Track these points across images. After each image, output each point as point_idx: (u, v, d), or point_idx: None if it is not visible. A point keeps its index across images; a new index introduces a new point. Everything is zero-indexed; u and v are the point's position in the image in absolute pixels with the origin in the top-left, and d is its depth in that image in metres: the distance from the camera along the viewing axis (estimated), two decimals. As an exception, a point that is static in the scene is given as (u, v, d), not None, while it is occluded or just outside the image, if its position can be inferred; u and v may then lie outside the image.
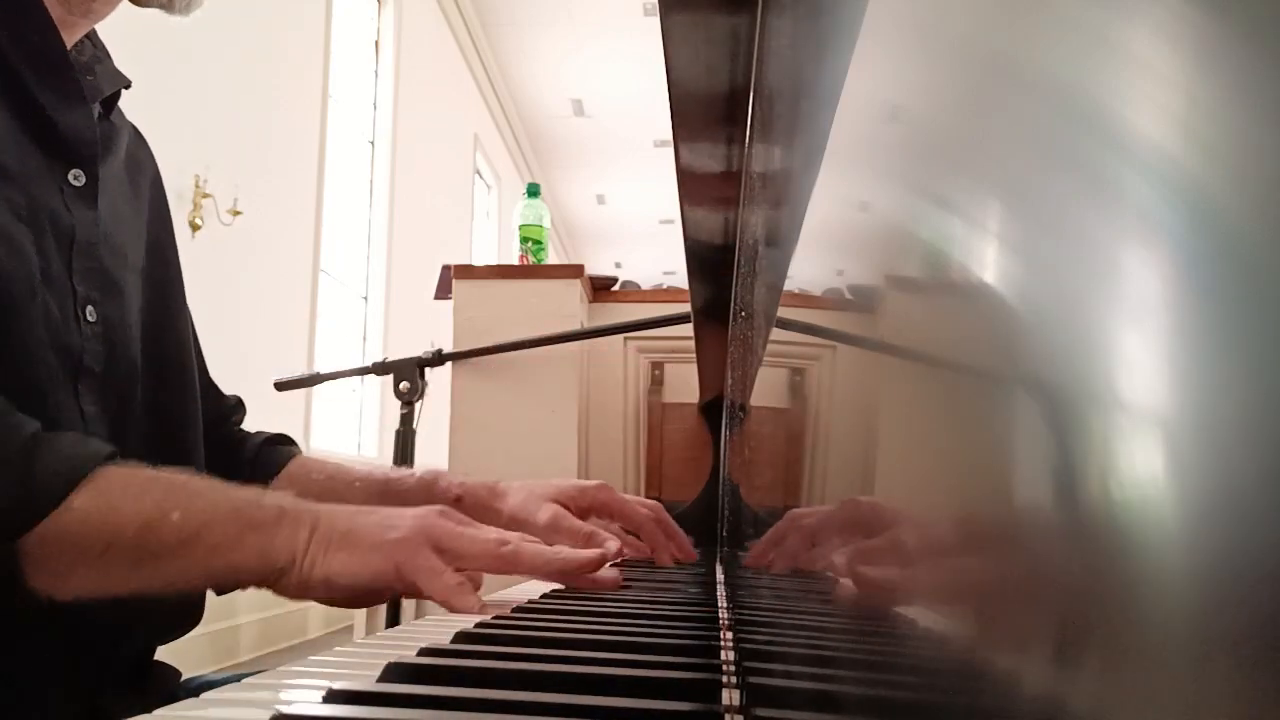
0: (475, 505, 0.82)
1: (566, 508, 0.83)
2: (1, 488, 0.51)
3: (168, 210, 0.84)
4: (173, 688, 0.78)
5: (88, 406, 0.67)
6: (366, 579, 0.60)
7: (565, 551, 0.69)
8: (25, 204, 0.63)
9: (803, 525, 0.34)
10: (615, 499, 0.90)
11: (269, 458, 0.87)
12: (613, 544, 0.78)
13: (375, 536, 0.60)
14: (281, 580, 0.59)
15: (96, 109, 0.73)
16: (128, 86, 0.78)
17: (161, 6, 0.74)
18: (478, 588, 0.65)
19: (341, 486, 0.85)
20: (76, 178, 0.69)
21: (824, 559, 0.27)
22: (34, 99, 0.66)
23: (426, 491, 0.84)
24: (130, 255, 0.75)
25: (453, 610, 0.61)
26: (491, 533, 0.66)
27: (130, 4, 0.73)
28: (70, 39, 0.70)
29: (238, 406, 0.92)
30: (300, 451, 0.90)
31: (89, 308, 0.68)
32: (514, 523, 0.80)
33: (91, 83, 0.72)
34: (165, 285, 0.80)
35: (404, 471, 0.88)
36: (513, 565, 0.65)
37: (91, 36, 0.75)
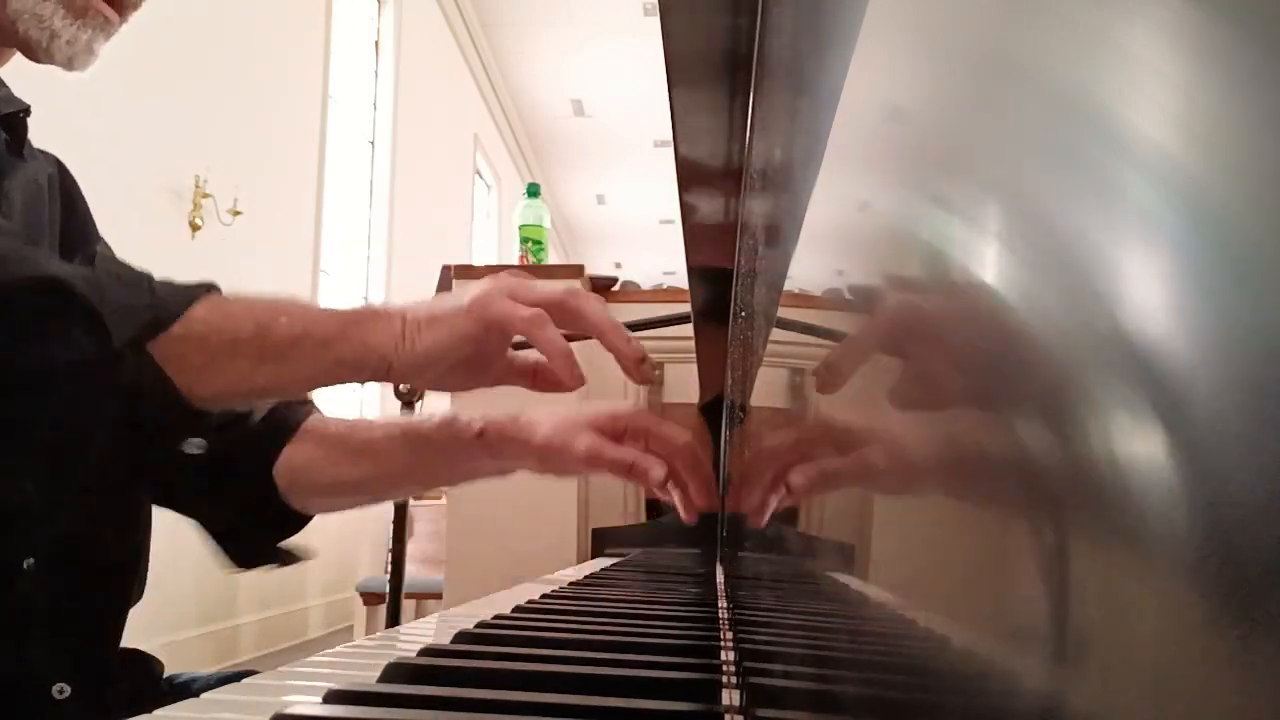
0: (500, 437, 0.77)
1: (604, 434, 0.77)
2: (136, 298, 0.60)
3: (92, 238, 0.82)
4: (156, 678, 0.78)
5: None
6: (459, 341, 0.65)
7: (623, 331, 0.71)
8: None
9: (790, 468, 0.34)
10: (653, 424, 0.81)
11: (285, 416, 0.82)
12: (658, 471, 0.74)
13: (456, 305, 0.66)
14: (391, 368, 0.64)
15: None
16: (26, 113, 0.77)
17: (59, 64, 0.73)
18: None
19: (363, 431, 0.82)
20: None
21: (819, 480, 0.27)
22: None
23: (448, 428, 0.79)
24: None
25: (541, 345, 0.67)
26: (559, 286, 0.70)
27: (25, 59, 0.72)
28: None
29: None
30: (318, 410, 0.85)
31: None
32: (548, 452, 0.75)
33: None
34: None
35: (420, 415, 0.83)
36: (576, 318, 0.69)
37: None
